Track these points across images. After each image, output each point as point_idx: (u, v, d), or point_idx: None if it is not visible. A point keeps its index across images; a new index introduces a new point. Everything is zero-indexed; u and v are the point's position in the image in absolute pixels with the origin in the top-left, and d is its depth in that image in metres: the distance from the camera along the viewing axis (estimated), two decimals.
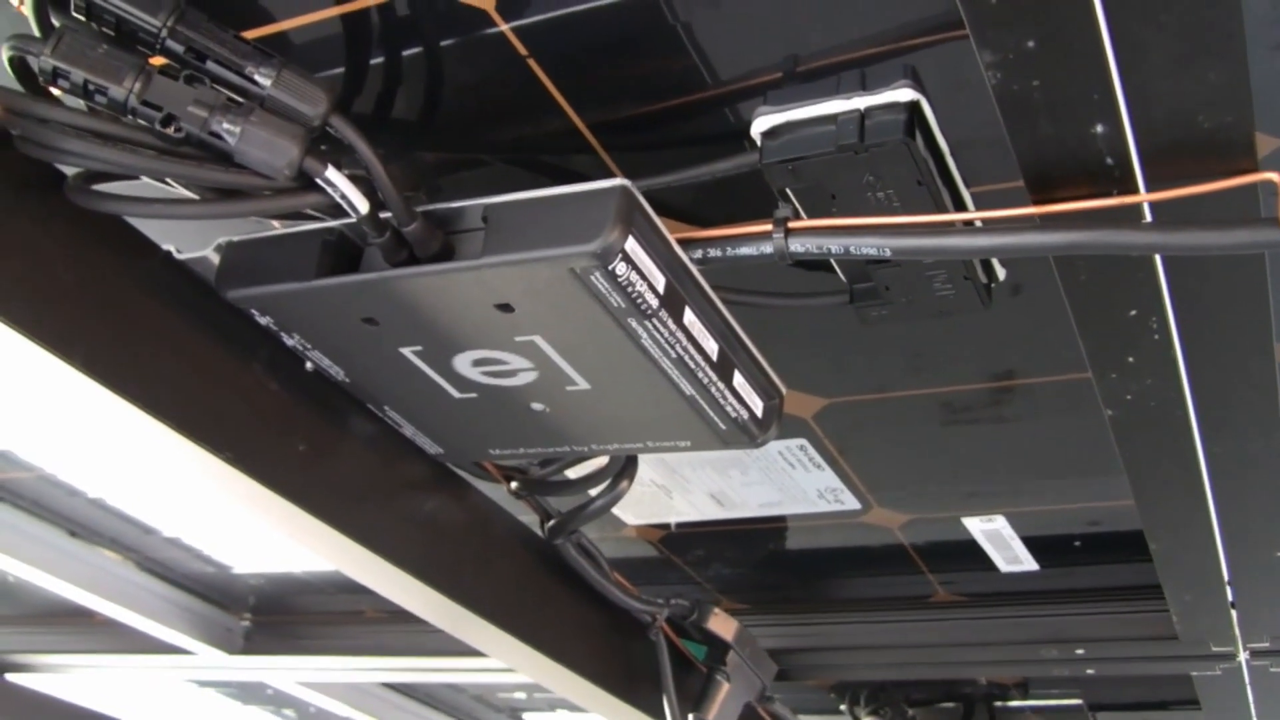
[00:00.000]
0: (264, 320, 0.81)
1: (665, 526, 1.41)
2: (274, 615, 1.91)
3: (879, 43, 0.74)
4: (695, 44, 0.76)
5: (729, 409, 0.81)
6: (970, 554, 1.39)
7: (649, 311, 0.71)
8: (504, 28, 0.76)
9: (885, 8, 0.72)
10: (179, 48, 0.68)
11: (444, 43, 0.79)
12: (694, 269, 0.74)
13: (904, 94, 0.71)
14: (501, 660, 1.20)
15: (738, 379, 0.81)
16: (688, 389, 0.78)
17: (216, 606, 1.90)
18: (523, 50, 0.77)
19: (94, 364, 0.74)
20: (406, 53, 0.80)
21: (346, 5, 0.76)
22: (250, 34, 0.78)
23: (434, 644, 1.68)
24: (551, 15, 0.75)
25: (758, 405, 0.83)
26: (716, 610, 1.34)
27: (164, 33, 0.68)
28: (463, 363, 0.81)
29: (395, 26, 0.78)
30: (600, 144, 0.84)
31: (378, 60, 0.81)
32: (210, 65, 0.68)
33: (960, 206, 0.77)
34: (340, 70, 0.82)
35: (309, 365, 0.87)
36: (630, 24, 0.75)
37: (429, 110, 0.85)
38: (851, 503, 1.29)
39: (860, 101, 0.72)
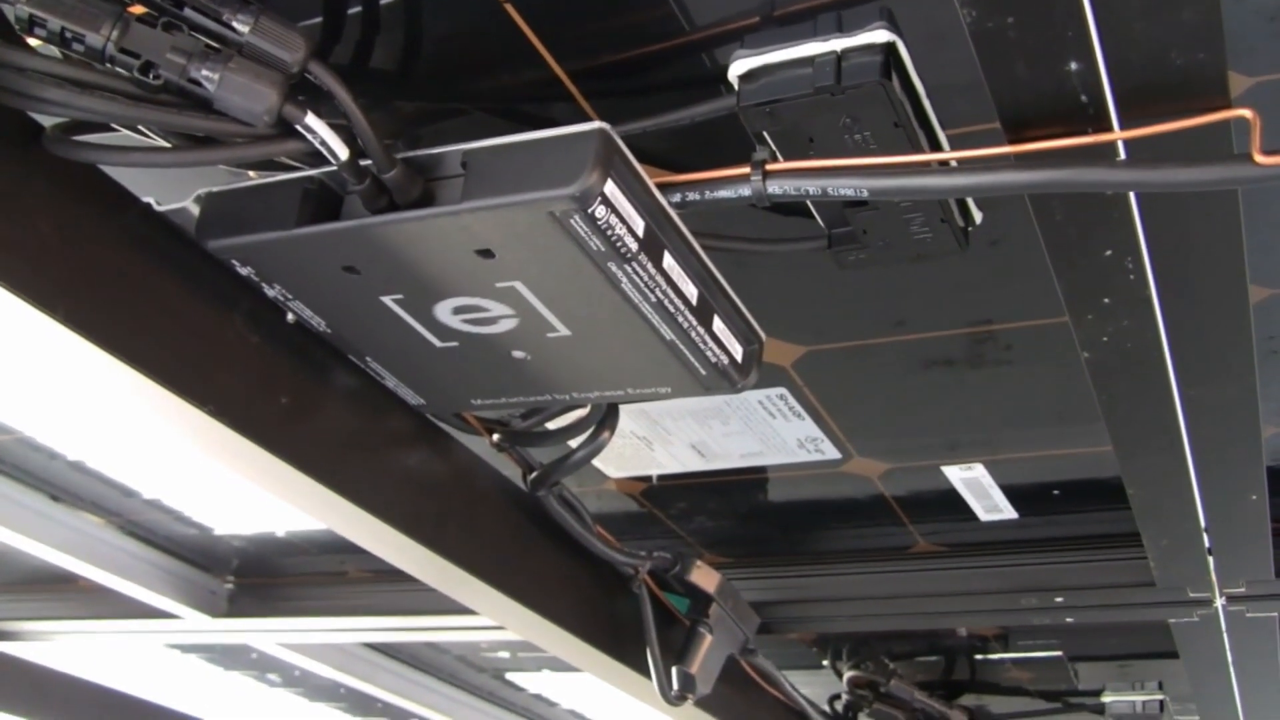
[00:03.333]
0: (245, 271, 0.81)
1: (647, 479, 1.42)
2: (257, 577, 1.91)
3: None
4: None
5: (709, 354, 0.82)
6: (950, 503, 1.40)
7: (628, 255, 0.71)
8: None
9: None
10: None
11: None
12: (673, 213, 0.75)
13: (880, 35, 0.71)
14: (484, 614, 1.20)
15: (717, 324, 0.81)
16: (668, 334, 0.79)
17: (199, 569, 1.90)
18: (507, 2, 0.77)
19: (75, 318, 0.74)
20: (384, 1, 0.80)
21: None
22: None
23: (417, 603, 1.68)
24: None
25: (737, 350, 0.84)
26: (699, 563, 1.35)
27: None
28: (444, 310, 0.81)
29: None
30: (579, 91, 0.84)
31: (356, 9, 0.81)
32: (188, 12, 0.68)
33: (937, 148, 0.77)
34: (319, 20, 0.82)
35: (290, 317, 0.87)
36: None
37: (408, 59, 0.85)
38: (832, 452, 1.29)
39: (837, 43, 0.72)
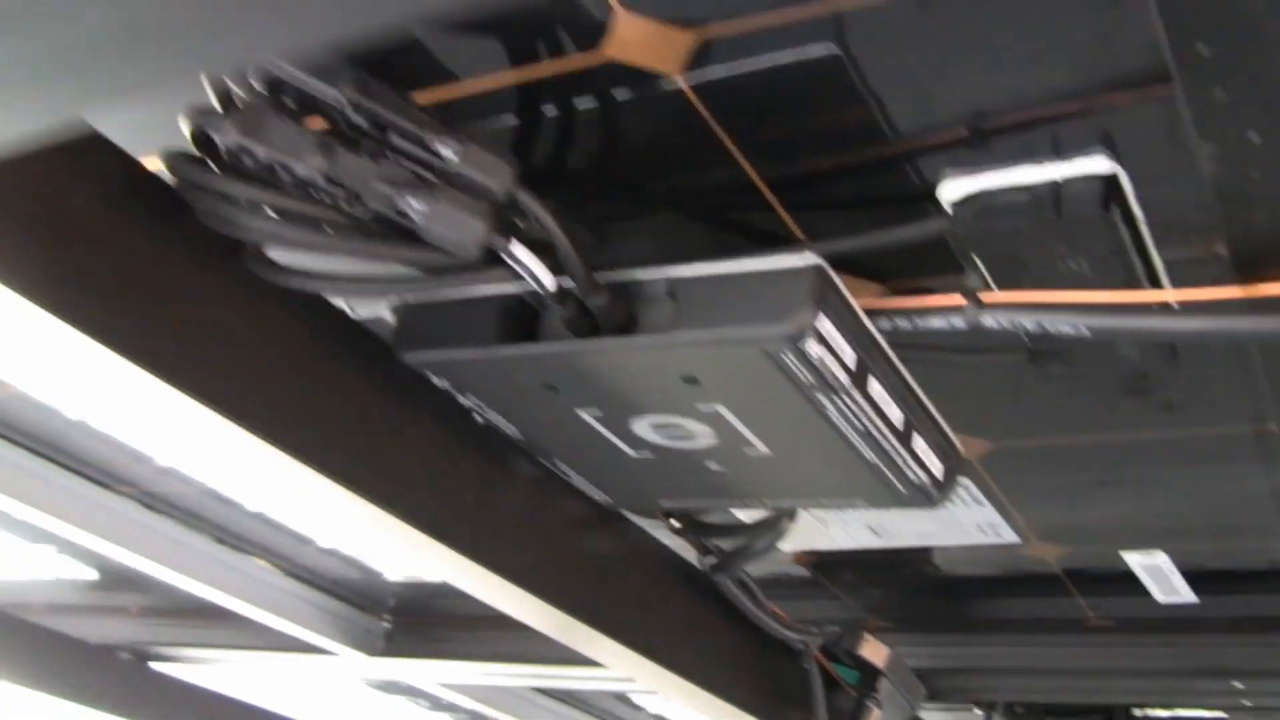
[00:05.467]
0: (441, 382, 0.81)
1: (818, 551, 1.40)
2: (414, 618, 1.91)
3: (1070, 98, 0.72)
4: (878, 100, 0.74)
5: (909, 473, 0.80)
6: (1125, 581, 1.36)
7: (838, 387, 0.70)
8: (683, 85, 0.74)
9: (1077, 63, 0.70)
10: (362, 121, 0.67)
11: (620, 99, 0.77)
12: (881, 340, 0.73)
13: (1101, 164, 0.69)
14: (660, 692, 1.19)
15: (918, 442, 0.80)
16: (870, 456, 0.77)
17: (356, 609, 1.91)
18: (702, 109, 0.76)
19: (272, 428, 0.75)
20: (581, 107, 0.78)
21: (523, 71, 0.75)
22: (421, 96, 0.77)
23: (576, 654, 1.67)
24: (732, 74, 0.73)
25: (937, 468, 0.82)
26: (868, 636, 1.33)
27: (346, 106, 0.67)
28: (641, 425, 0.80)
29: (570, 85, 0.77)
30: (777, 201, 0.83)
31: (550, 113, 0.80)
32: (393, 138, 0.68)
33: (1153, 278, 0.74)
34: (511, 121, 0.81)
35: (481, 419, 0.87)
36: (811, 80, 0.73)
37: (601, 163, 0.83)
38: (1010, 537, 1.26)
39: (1055, 170, 0.70)
